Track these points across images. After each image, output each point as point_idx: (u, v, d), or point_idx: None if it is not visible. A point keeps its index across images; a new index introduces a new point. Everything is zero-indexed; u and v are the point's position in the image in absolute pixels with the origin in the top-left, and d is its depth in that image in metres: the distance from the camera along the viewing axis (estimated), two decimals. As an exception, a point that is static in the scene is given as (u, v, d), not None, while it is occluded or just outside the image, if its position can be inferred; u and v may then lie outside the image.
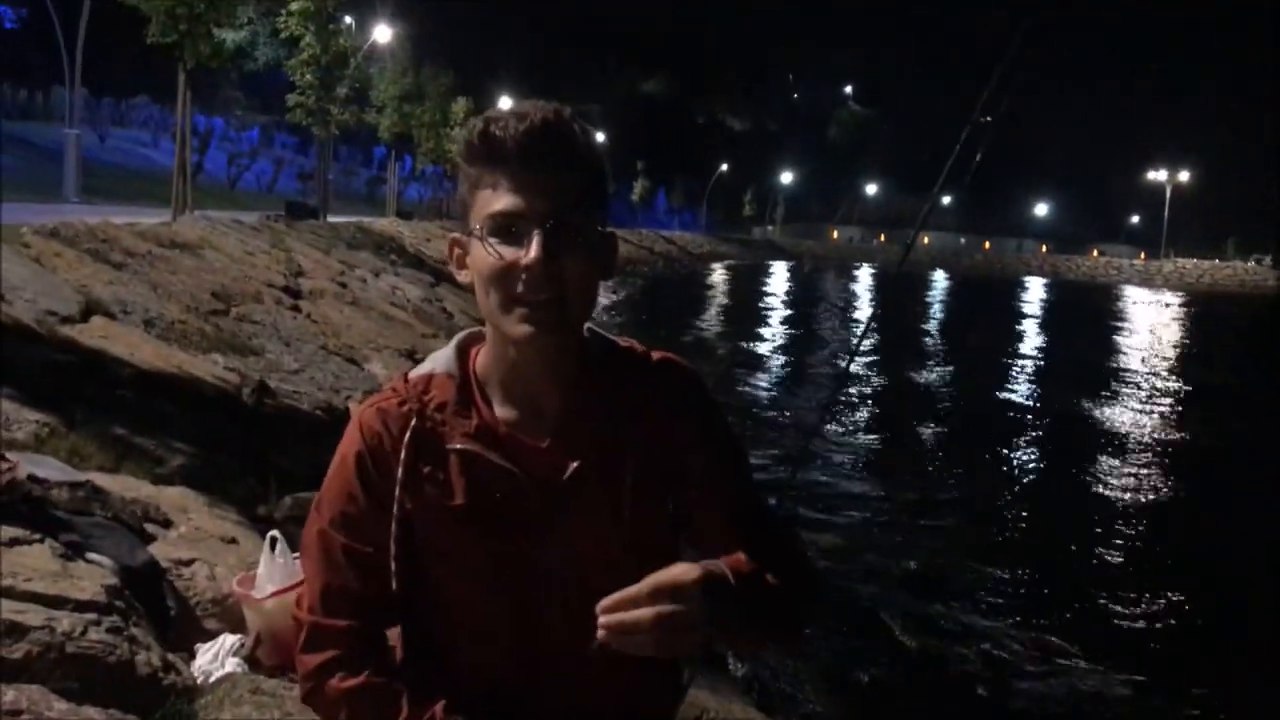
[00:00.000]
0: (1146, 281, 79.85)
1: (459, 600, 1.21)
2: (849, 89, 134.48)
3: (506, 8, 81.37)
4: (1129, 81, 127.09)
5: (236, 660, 2.84)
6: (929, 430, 13.61)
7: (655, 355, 1.29)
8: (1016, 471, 11.73)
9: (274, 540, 2.92)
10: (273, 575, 2.89)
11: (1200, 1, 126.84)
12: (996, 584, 7.44)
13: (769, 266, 70.33)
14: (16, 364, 5.14)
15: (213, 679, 2.74)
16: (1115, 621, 6.91)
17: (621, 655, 1.02)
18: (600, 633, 1.01)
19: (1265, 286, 72.31)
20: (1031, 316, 39.73)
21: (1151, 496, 10.54)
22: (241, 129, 54.56)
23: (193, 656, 2.89)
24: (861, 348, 3.85)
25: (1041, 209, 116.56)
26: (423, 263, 22.37)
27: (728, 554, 1.18)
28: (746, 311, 32.22)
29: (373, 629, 1.22)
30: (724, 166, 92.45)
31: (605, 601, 1.02)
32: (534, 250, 1.10)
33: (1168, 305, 51.47)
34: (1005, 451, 12.43)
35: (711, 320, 29.18)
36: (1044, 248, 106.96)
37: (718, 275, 55.99)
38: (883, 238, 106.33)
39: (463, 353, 1.26)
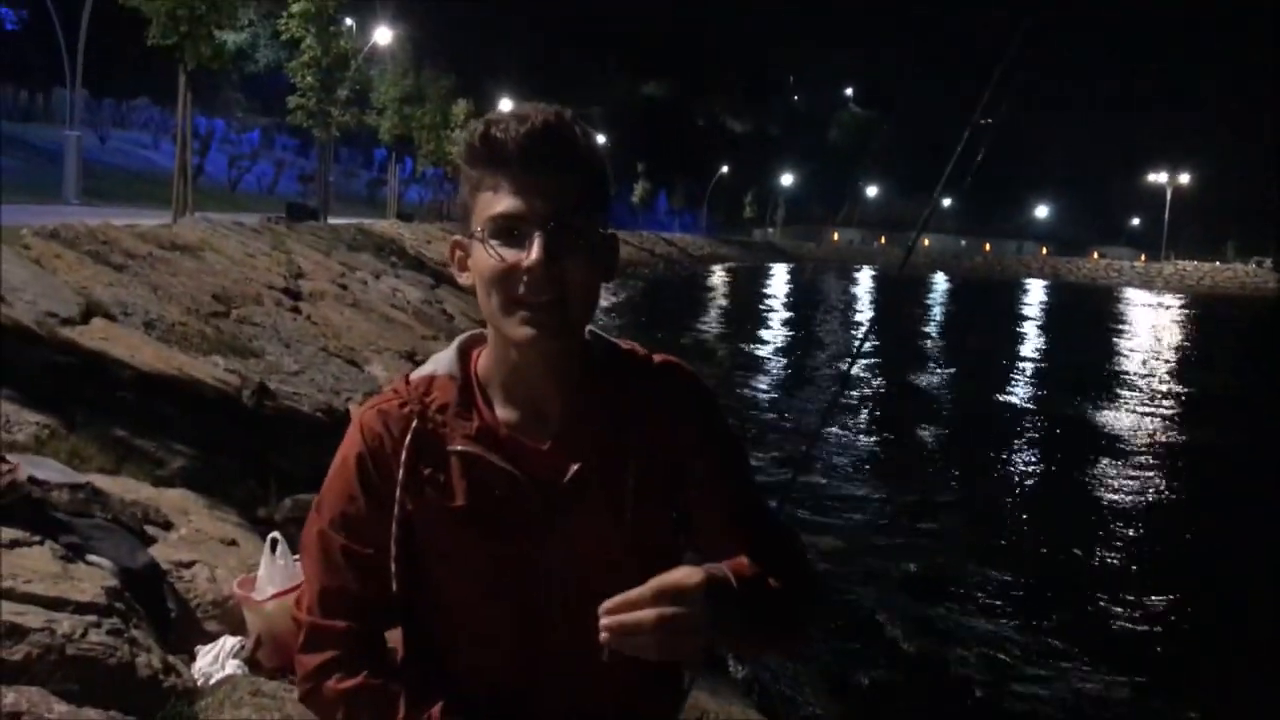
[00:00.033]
0: (1147, 284, 79.88)
1: (460, 602, 1.21)
2: (849, 91, 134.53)
3: (506, 8, 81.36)
4: (1129, 81, 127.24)
5: (237, 662, 2.84)
6: (929, 433, 13.61)
7: (657, 358, 1.29)
8: (1016, 474, 11.74)
9: (274, 542, 2.92)
10: (273, 577, 2.89)
11: (1200, 1, 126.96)
12: (997, 586, 7.44)
13: (769, 269, 70.37)
14: (17, 366, 5.14)
15: (213, 681, 2.74)
16: (1115, 623, 6.91)
17: (624, 658, 1.02)
18: (602, 635, 1.01)
19: (1265, 289, 72.37)
20: (1032, 319, 39.74)
21: (1151, 499, 10.54)
22: (242, 131, 54.57)
23: (193, 658, 2.88)
24: (862, 350, 3.85)
25: (1042, 211, 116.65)
26: (423, 265, 22.39)
27: (729, 556, 1.18)
28: (747, 314, 32.22)
29: (371, 630, 1.21)
30: (724, 168, 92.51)
31: (608, 603, 1.01)
32: (535, 252, 1.10)
33: (1168, 308, 51.49)
34: (1005, 454, 12.44)
35: (712, 322, 29.19)
36: (1044, 250, 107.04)
37: (718, 277, 56.00)
38: (883, 240, 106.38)
39: (464, 355, 1.26)
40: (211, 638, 3.00)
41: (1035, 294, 59.39)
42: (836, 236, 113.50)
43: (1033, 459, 12.64)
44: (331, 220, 25.89)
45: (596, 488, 1.19)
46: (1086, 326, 34.87)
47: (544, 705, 1.21)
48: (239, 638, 2.95)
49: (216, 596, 3.17)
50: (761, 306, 36.24)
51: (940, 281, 64.93)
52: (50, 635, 2.33)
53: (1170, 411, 16.60)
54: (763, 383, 17.50)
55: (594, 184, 1.16)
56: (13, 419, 4.40)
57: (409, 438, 1.20)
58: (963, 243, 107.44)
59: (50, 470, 3.46)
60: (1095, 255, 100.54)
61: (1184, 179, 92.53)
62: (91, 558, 2.88)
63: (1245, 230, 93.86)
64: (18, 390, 4.75)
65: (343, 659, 1.18)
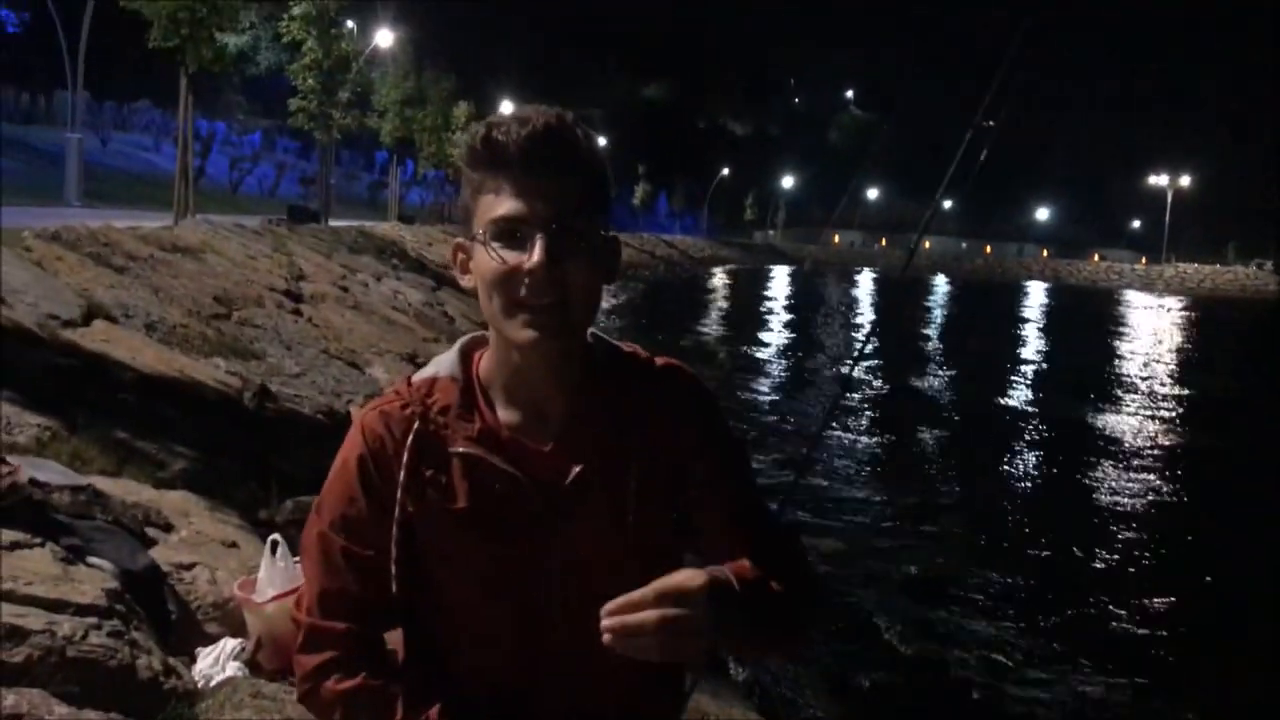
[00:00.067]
0: (1147, 286, 79.87)
1: (461, 604, 1.21)
2: (850, 93, 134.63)
3: (506, 8, 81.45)
4: (1129, 82, 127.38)
5: (237, 664, 2.84)
6: (930, 435, 13.60)
7: (659, 361, 1.29)
8: (1017, 476, 11.73)
9: (275, 544, 2.92)
10: (273, 579, 2.89)
11: (1200, 1, 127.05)
12: (997, 588, 7.44)
13: (770, 271, 70.36)
14: (18, 368, 5.14)
15: (213, 683, 2.74)
16: (1115, 625, 6.91)
17: (625, 659, 1.02)
18: (605, 636, 1.01)
19: (1266, 291, 72.35)
20: (1032, 321, 39.75)
21: (1151, 501, 10.54)
22: (243, 133, 54.53)
23: (193, 660, 2.88)
24: (863, 353, 3.85)
25: (1042, 213, 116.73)
26: (424, 267, 22.40)
27: (730, 558, 1.18)
28: (748, 316, 32.23)
29: (370, 632, 1.21)
30: (725, 170, 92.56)
31: (610, 605, 1.01)
32: (536, 254, 1.10)
33: (1168, 310, 51.48)
34: (1005, 456, 12.43)
35: (713, 325, 29.21)
36: (1045, 252, 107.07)
37: (719, 279, 56.01)
38: (884, 242, 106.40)
39: (466, 356, 1.26)
40: (212, 640, 3.00)
41: (1036, 296, 59.41)
42: (837, 239, 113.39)
43: (1033, 461, 12.64)
44: (333, 222, 25.91)
45: (598, 490, 1.19)
46: (1087, 329, 34.86)
47: (545, 707, 1.21)
48: (239, 640, 2.95)
49: (217, 598, 3.17)
50: (762, 308, 36.25)
51: (941, 283, 64.94)
52: (51, 637, 2.33)
53: (1170, 414, 16.60)
54: (764, 385, 17.50)
55: (595, 186, 1.16)
56: (14, 421, 4.40)
57: (410, 439, 1.20)
58: (963, 245, 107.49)
59: (51, 472, 3.46)
60: (1096, 257, 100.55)
61: (1185, 181, 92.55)
62: (92, 560, 2.87)
63: (1246, 232, 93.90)
64: (19, 392, 4.75)
65: (341, 660, 1.18)
